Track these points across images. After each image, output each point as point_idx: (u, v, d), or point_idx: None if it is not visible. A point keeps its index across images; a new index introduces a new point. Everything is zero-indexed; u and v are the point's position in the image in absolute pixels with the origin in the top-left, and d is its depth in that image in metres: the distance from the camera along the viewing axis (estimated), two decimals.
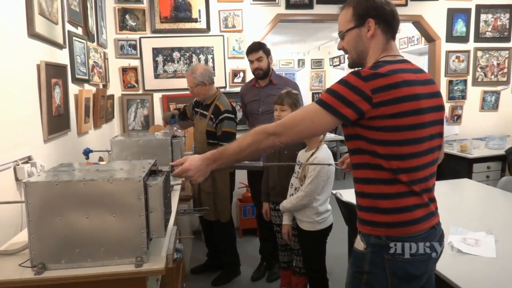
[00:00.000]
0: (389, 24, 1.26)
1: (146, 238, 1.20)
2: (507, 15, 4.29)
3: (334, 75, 9.79)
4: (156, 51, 3.70)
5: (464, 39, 4.25)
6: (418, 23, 4.14)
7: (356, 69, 1.20)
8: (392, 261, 1.18)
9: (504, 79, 4.41)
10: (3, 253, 1.26)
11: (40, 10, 1.79)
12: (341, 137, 5.95)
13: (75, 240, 1.17)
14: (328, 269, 2.31)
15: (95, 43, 2.86)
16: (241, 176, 3.35)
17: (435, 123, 1.23)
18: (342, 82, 1.17)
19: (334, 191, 2.34)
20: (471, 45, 4.29)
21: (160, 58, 3.71)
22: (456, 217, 2.12)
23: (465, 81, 4.34)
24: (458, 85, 4.34)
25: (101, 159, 2.43)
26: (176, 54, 3.73)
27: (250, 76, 3.18)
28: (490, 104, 4.44)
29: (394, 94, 1.13)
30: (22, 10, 1.67)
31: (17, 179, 1.54)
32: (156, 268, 1.19)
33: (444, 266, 1.47)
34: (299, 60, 10.38)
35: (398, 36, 1.40)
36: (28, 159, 1.63)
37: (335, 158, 4.18)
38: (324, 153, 2.14)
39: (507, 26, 4.31)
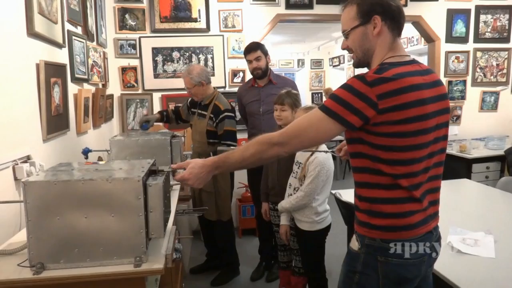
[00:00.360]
0: (395, 20, 1.21)
1: (145, 238, 1.20)
2: (507, 16, 4.29)
3: (333, 75, 9.79)
4: (155, 51, 3.70)
5: (463, 39, 4.25)
6: (417, 23, 4.14)
7: (360, 73, 1.15)
8: (385, 263, 1.17)
9: (504, 79, 4.42)
10: (2, 252, 1.26)
11: (39, 9, 1.78)
12: (341, 137, 5.93)
13: (74, 240, 1.17)
14: (327, 269, 2.31)
15: (94, 43, 2.86)
16: (240, 176, 3.35)
17: (440, 126, 1.21)
18: (347, 87, 1.13)
19: (333, 191, 2.34)
20: (470, 45, 4.29)
21: (159, 58, 3.71)
22: (455, 217, 2.12)
23: (465, 81, 4.34)
24: (458, 86, 4.34)
25: (100, 158, 2.42)
26: (175, 54, 3.73)
27: (249, 76, 3.17)
28: (489, 104, 4.44)
29: (400, 100, 1.09)
30: (21, 9, 1.67)
31: (16, 179, 1.54)
32: (155, 268, 1.19)
33: (443, 266, 1.47)
34: (298, 60, 10.39)
35: None
36: (27, 159, 1.63)
37: (335, 160, 4.18)
38: (324, 153, 2.13)
39: (507, 27, 4.31)
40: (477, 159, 3.87)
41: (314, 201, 2.14)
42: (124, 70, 3.66)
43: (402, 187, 1.15)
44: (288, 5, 3.81)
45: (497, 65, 4.37)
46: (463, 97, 4.37)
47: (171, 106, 3.67)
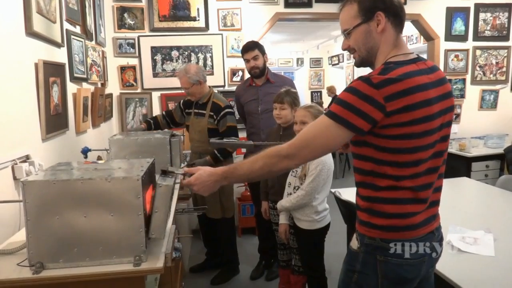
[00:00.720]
0: (398, 16, 1.18)
1: (145, 237, 1.20)
2: (506, 14, 4.29)
3: (333, 74, 9.80)
4: (154, 50, 3.69)
5: (463, 38, 4.25)
6: (417, 21, 4.14)
7: (364, 75, 1.11)
8: (384, 263, 1.17)
9: (503, 78, 4.42)
10: (1, 252, 1.26)
11: (38, 8, 1.78)
12: None
13: (73, 239, 1.17)
14: (327, 268, 2.31)
15: (93, 42, 2.85)
16: None
17: (444, 126, 1.19)
18: (352, 90, 1.09)
19: (333, 190, 2.34)
20: (470, 44, 4.29)
21: (158, 57, 3.70)
22: (455, 216, 2.12)
23: (464, 80, 4.34)
24: (457, 84, 4.34)
25: (99, 158, 2.42)
26: (174, 53, 3.72)
27: (248, 75, 3.17)
28: (488, 103, 4.44)
29: (407, 101, 1.06)
30: (19, 8, 1.67)
31: (15, 178, 1.53)
32: (155, 267, 1.19)
33: (443, 265, 1.47)
34: (298, 59, 10.40)
35: None
36: (26, 158, 1.63)
37: (334, 158, 4.18)
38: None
39: (506, 25, 4.31)
40: (476, 158, 3.87)
41: (314, 200, 2.14)
42: (123, 69, 3.65)
43: (406, 188, 1.14)
44: (287, 4, 3.80)
45: (497, 63, 4.37)
46: (462, 96, 4.37)
47: (171, 106, 3.66)
